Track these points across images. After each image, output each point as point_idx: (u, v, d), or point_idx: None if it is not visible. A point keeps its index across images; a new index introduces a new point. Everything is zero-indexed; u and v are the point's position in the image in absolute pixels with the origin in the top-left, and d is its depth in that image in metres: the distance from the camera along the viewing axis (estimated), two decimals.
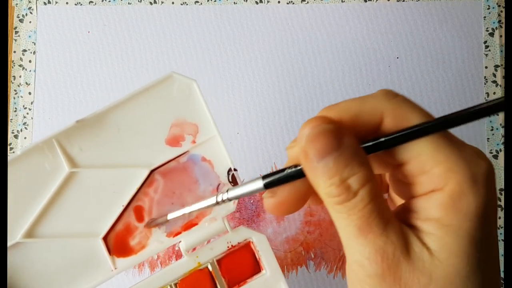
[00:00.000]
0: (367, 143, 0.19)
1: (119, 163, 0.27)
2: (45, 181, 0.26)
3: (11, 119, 0.43)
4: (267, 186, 0.20)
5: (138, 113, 0.26)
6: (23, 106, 0.43)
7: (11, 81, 0.43)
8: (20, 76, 0.43)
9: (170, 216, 0.26)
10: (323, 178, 0.18)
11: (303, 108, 0.43)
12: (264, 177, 0.20)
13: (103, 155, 0.26)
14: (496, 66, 0.43)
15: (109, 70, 0.43)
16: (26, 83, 0.43)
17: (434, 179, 0.18)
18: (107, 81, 0.43)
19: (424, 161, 0.18)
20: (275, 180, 0.20)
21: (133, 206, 0.27)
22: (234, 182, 0.27)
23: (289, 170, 0.20)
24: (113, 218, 0.27)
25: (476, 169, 0.18)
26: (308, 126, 0.18)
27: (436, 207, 0.18)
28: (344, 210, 0.18)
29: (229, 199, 0.22)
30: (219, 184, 0.27)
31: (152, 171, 0.27)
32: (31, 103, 0.43)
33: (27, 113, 0.43)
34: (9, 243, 0.26)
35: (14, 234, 0.26)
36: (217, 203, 0.23)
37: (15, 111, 0.43)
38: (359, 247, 0.18)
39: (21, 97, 0.43)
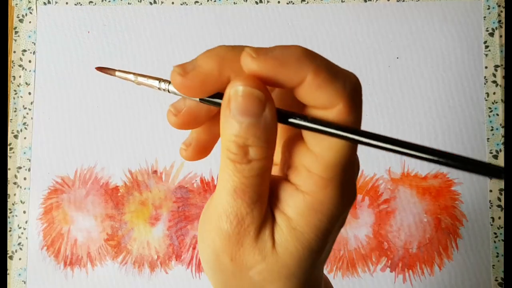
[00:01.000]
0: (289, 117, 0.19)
1: None
2: None
3: (11, 119, 0.43)
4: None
5: None
6: (23, 106, 0.43)
7: (11, 81, 0.43)
8: (20, 76, 0.43)
9: (118, 74, 0.25)
10: (231, 130, 0.19)
11: None
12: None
13: None
14: (496, 66, 0.43)
15: None
16: (26, 83, 0.43)
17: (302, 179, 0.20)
18: (106, 81, 0.43)
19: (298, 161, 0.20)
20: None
21: None
22: None
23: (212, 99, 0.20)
24: None
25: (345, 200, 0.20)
26: (243, 83, 0.19)
27: (293, 209, 0.20)
28: (231, 168, 0.20)
29: (169, 91, 0.22)
30: None
31: None
32: (31, 103, 0.43)
33: (27, 113, 0.43)
34: None
35: None
36: (158, 88, 0.23)
37: (15, 111, 0.43)
38: (227, 203, 0.20)
39: (21, 97, 0.43)
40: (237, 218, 0.20)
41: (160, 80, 0.22)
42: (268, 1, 0.44)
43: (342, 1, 0.44)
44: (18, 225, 0.42)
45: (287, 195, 0.21)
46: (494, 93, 0.42)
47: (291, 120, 0.19)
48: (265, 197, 0.20)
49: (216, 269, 0.22)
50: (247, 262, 0.21)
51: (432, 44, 0.43)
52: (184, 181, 0.42)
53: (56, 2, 0.44)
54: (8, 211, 0.42)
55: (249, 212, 0.20)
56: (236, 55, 0.19)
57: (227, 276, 0.22)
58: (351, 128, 0.18)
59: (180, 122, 0.22)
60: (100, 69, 0.26)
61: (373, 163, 0.42)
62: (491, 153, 0.42)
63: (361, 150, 0.42)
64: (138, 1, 0.44)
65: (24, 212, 0.42)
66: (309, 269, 0.21)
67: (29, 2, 0.44)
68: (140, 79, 0.24)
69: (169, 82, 0.22)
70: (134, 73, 0.24)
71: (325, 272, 0.41)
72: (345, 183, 0.20)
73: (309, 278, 0.22)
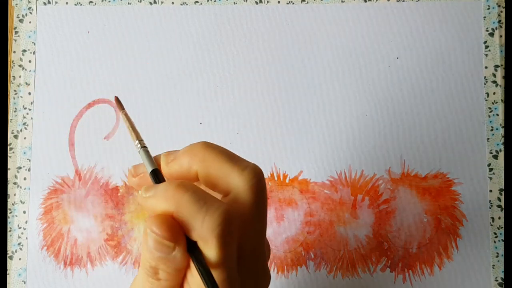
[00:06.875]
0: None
1: None
2: None
3: (11, 119, 0.43)
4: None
5: None
6: (23, 106, 0.43)
7: (11, 81, 0.43)
8: (20, 76, 0.43)
9: (122, 113, 0.28)
10: (147, 252, 0.23)
11: (303, 108, 0.43)
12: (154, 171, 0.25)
13: None
14: (496, 66, 0.43)
15: (109, 70, 0.43)
16: (26, 83, 0.43)
17: None
18: (106, 81, 0.43)
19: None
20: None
21: None
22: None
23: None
24: None
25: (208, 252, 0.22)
26: (156, 230, 0.22)
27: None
28: (145, 278, 0.23)
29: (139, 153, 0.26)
30: None
31: None
32: (31, 103, 0.43)
33: (27, 113, 0.43)
34: None
35: None
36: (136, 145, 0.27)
37: (15, 111, 0.43)
38: None
39: (21, 97, 0.43)
40: None
41: (139, 140, 0.26)
42: (268, 1, 0.44)
43: (342, 1, 0.44)
44: (18, 225, 0.42)
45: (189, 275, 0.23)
46: (494, 93, 0.42)
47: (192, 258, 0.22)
48: None
49: None
50: None
51: (432, 44, 0.43)
52: None
53: (56, 2, 0.44)
54: (8, 211, 0.42)
55: None
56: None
57: None
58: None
59: (137, 183, 0.26)
60: (116, 99, 0.29)
61: (373, 163, 0.42)
62: (491, 153, 0.42)
63: (361, 151, 0.42)
64: (138, 1, 0.44)
65: (24, 212, 0.42)
66: None
67: (29, 2, 0.44)
68: (129, 131, 0.27)
69: (142, 147, 0.26)
70: (131, 124, 0.28)
71: (325, 272, 0.41)
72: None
73: None
